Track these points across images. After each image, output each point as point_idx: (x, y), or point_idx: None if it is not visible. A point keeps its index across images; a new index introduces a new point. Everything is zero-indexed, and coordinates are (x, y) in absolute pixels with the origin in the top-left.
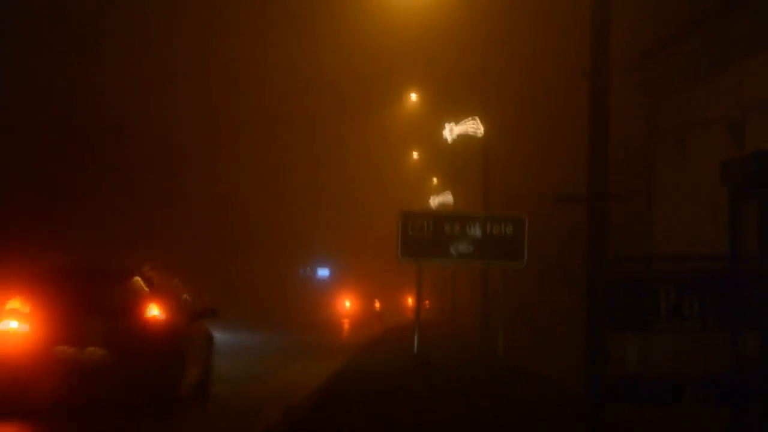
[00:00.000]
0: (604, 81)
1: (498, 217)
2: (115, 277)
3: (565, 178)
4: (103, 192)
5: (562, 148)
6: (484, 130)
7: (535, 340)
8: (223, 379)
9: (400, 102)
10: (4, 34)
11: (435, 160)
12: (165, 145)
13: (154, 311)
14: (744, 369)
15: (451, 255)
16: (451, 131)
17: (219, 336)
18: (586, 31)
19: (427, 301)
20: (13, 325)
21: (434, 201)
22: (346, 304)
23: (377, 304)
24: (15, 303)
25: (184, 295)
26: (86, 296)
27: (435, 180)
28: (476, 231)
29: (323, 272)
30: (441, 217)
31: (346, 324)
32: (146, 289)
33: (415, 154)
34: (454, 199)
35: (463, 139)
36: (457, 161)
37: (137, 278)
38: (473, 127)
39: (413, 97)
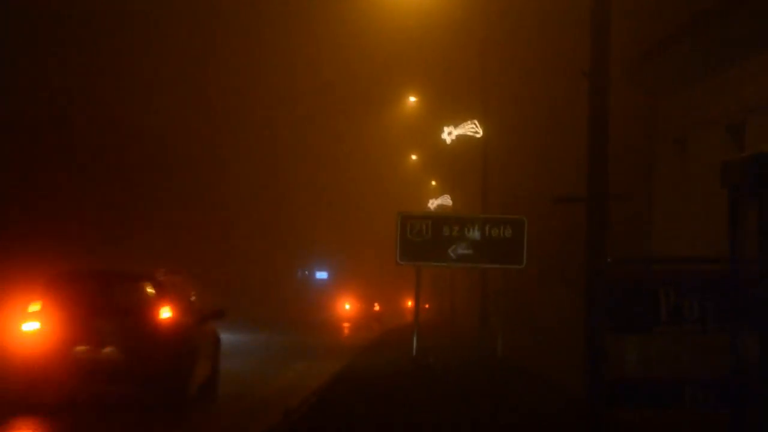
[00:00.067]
0: (603, 81)
1: (497, 220)
2: (129, 280)
3: (564, 178)
4: (100, 193)
5: (561, 149)
6: (483, 132)
7: (535, 341)
8: (227, 378)
9: (399, 104)
10: (4, 34)
11: (434, 162)
12: (163, 146)
13: (166, 313)
14: (744, 370)
15: (450, 258)
16: (450, 133)
17: (221, 336)
18: (586, 31)
19: (427, 305)
20: (35, 326)
21: (433, 203)
22: (346, 306)
23: (377, 307)
24: (36, 306)
25: (193, 298)
26: (103, 299)
27: (434, 182)
28: (475, 233)
29: (321, 274)
30: (440, 219)
31: (346, 326)
32: (159, 292)
33: (413, 156)
34: (453, 201)
35: (462, 140)
36: (455, 163)
37: (150, 282)
38: (472, 128)
39: (412, 99)
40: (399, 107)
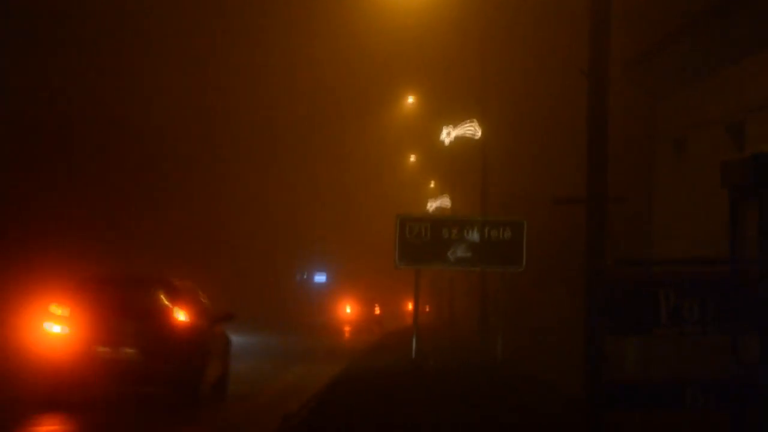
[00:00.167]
0: (602, 81)
1: (496, 222)
2: (146, 284)
3: (563, 179)
4: (98, 194)
5: (561, 150)
6: (482, 132)
7: (534, 343)
8: (233, 379)
9: (397, 104)
10: (4, 34)
11: (433, 163)
12: (161, 148)
13: (180, 316)
14: (744, 372)
15: (449, 260)
16: (448, 134)
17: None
18: (585, 30)
19: (427, 307)
20: (57, 328)
21: (432, 205)
22: (347, 309)
23: (377, 310)
24: (58, 308)
25: (204, 301)
26: (121, 302)
27: (432, 184)
28: (474, 235)
29: (320, 277)
30: (438, 221)
31: (346, 329)
32: (174, 296)
33: (412, 157)
34: (452, 202)
35: (461, 141)
36: (454, 164)
37: (167, 286)
38: (471, 129)
39: (410, 99)
40: (397, 108)
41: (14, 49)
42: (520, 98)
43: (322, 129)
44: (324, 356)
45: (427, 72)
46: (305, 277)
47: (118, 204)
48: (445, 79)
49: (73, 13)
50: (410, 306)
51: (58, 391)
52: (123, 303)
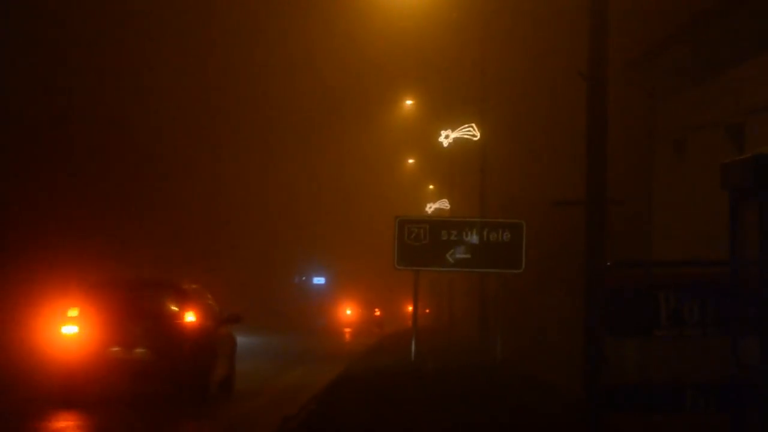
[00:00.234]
0: (601, 82)
1: (495, 224)
2: (157, 287)
3: (562, 181)
4: (96, 195)
5: (560, 152)
6: (481, 134)
7: (534, 344)
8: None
9: (396, 107)
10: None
11: (431, 165)
12: (160, 149)
13: (190, 318)
14: (744, 373)
15: (448, 262)
16: (447, 136)
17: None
18: (583, 32)
19: (427, 309)
20: (74, 329)
21: (431, 207)
22: (347, 311)
23: (378, 312)
24: (75, 311)
25: (211, 303)
26: (133, 304)
27: (431, 186)
28: (473, 237)
29: (319, 280)
30: (437, 223)
31: (347, 331)
32: (184, 298)
33: (411, 160)
34: (451, 204)
35: (460, 143)
36: (453, 166)
37: (176, 289)
38: (469, 131)
39: (408, 102)
40: (396, 110)
41: (14, 50)
42: (518, 100)
43: (322, 130)
44: (324, 357)
45: (426, 74)
46: (304, 279)
47: (117, 204)
48: (443, 81)
49: (73, 13)
50: (410, 308)
51: (74, 389)
52: (135, 305)
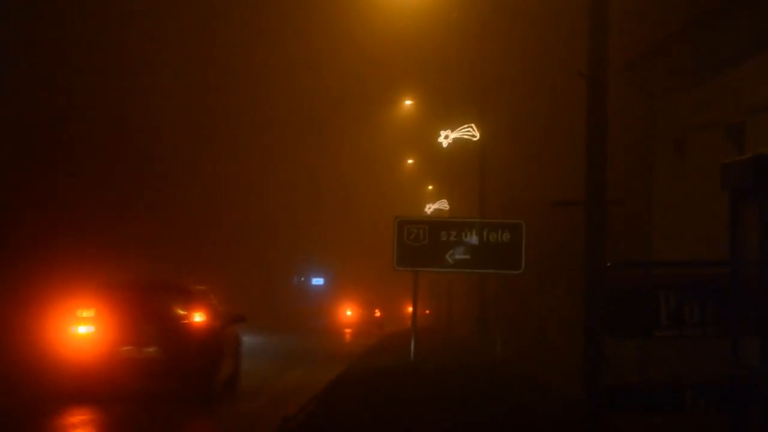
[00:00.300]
0: (601, 82)
1: (495, 224)
2: (165, 289)
3: (562, 181)
4: (97, 194)
5: (559, 152)
6: (480, 134)
7: (534, 344)
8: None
9: (395, 107)
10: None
11: (430, 166)
12: (160, 149)
13: (198, 318)
14: (745, 375)
15: (447, 263)
16: (446, 137)
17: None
18: (583, 32)
19: (427, 310)
20: (87, 329)
21: (430, 208)
22: (348, 312)
23: (378, 313)
24: (88, 311)
25: (217, 304)
26: (143, 305)
27: (431, 187)
28: (473, 238)
29: (318, 280)
30: (437, 224)
31: (347, 332)
32: (191, 299)
33: (410, 161)
34: (450, 205)
35: (459, 144)
36: (452, 167)
37: (185, 291)
38: (469, 132)
39: (408, 102)
40: (395, 110)
41: (14, 49)
42: (518, 100)
43: (322, 130)
44: (325, 357)
45: (426, 75)
46: (302, 279)
47: (117, 204)
48: (443, 81)
49: (73, 13)
50: (411, 309)
51: (87, 387)
52: (145, 306)
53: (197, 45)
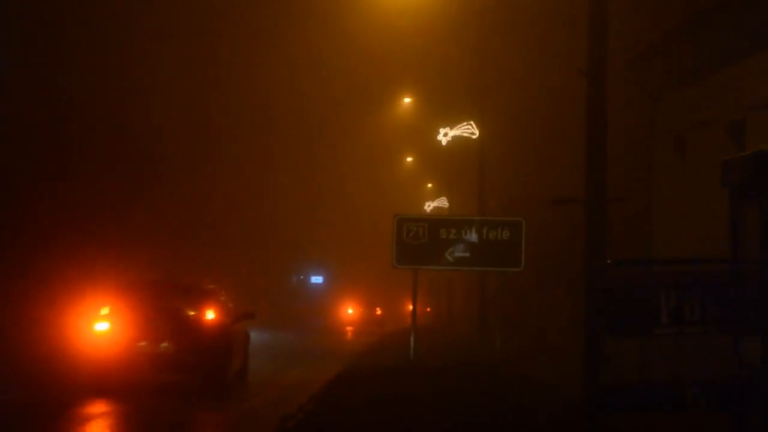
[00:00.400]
0: (601, 81)
1: (494, 222)
2: (179, 287)
3: (562, 179)
4: (96, 194)
5: (559, 150)
6: (480, 132)
7: (533, 343)
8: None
9: (394, 105)
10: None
11: (430, 164)
12: (159, 149)
13: (210, 315)
14: (745, 373)
15: (447, 261)
16: (445, 134)
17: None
18: (583, 30)
19: (428, 308)
20: (106, 326)
21: (429, 206)
22: (349, 311)
23: (379, 311)
24: (106, 309)
25: (227, 301)
26: (158, 303)
27: (430, 185)
28: (472, 236)
29: (317, 279)
30: (436, 221)
31: (348, 330)
32: (204, 297)
33: (409, 159)
34: (450, 203)
35: (458, 141)
36: (452, 165)
37: (197, 289)
38: (468, 129)
39: (407, 100)
40: (394, 108)
41: (14, 50)
42: (517, 98)
43: (321, 129)
44: (325, 355)
45: (425, 73)
46: (301, 278)
47: (117, 204)
48: (442, 79)
49: (73, 13)
50: (411, 307)
51: (105, 380)
52: (160, 304)
53: (197, 45)
